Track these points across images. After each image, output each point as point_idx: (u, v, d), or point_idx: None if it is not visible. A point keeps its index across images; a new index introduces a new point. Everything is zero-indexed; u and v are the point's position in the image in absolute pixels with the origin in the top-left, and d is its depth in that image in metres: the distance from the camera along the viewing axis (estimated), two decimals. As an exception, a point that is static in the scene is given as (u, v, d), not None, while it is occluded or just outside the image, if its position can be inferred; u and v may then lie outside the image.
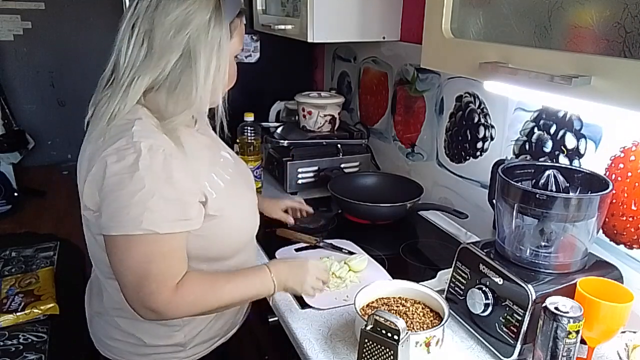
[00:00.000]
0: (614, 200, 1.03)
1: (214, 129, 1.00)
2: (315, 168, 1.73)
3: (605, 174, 1.03)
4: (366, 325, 0.83)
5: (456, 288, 1.03)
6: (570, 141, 1.12)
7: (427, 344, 0.88)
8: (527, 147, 1.24)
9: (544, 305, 0.82)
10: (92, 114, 0.96)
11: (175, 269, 0.89)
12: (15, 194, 3.85)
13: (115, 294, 0.97)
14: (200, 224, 0.92)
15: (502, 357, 0.92)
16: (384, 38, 1.65)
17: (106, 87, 0.94)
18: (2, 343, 1.18)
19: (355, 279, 1.19)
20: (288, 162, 1.69)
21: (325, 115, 1.78)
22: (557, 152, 1.16)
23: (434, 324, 0.93)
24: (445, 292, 1.05)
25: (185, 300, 0.89)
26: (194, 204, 0.91)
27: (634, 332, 0.94)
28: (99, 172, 0.85)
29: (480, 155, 1.40)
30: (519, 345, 0.89)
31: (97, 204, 0.88)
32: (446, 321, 0.91)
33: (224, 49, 0.91)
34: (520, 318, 0.88)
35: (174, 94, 0.90)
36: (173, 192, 0.86)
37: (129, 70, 0.88)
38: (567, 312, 0.79)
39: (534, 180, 0.97)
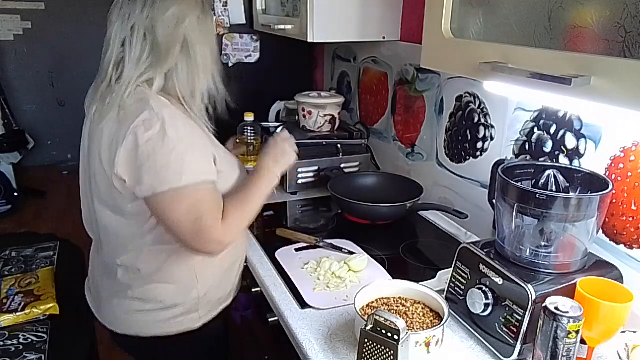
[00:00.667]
0: (614, 200, 1.03)
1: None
2: (315, 168, 1.73)
3: (605, 174, 1.03)
4: (366, 325, 0.83)
5: (456, 288, 1.03)
6: (570, 141, 1.12)
7: (427, 344, 0.88)
8: (527, 147, 1.24)
9: (544, 305, 0.82)
10: (96, 109, 1.06)
11: (218, 204, 1.04)
12: (15, 194, 3.86)
13: (133, 262, 1.08)
14: (217, 175, 1.06)
15: (502, 357, 0.92)
16: (384, 38, 1.65)
17: (109, 83, 1.04)
18: (2, 343, 1.18)
19: (355, 279, 1.19)
20: (288, 162, 1.69)
21: (325, 115, 1.78)
22: (557, 152, 1.16)
23: (434, 324, 0.93)
24: (445, 292, 1.05)
25: (234, 221, 1.05)
26: (212, 158, 1.05)
27: (634, 332, 0.94)
28: (131, 144, 0.96)
29: (480, 155, 1.40)
30: (519, 345, 0.89)
31: (132, 174, 0.98)
32: (446, 321, 0.91)
33: (213, 36, 1.09)
34: (520, 318, 0.88)
35: (184, 83, 1.05)
36: (197, 149, 1.01)
37: (135, 65, 1.01)
38: (567, 312, 0.79)
39: (534, 180, 0.97)
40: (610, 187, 0.90)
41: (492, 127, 1.34)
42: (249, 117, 1.64)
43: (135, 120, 0.96)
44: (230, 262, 1.19)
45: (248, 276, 1.38)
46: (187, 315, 1.14)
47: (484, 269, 0.97)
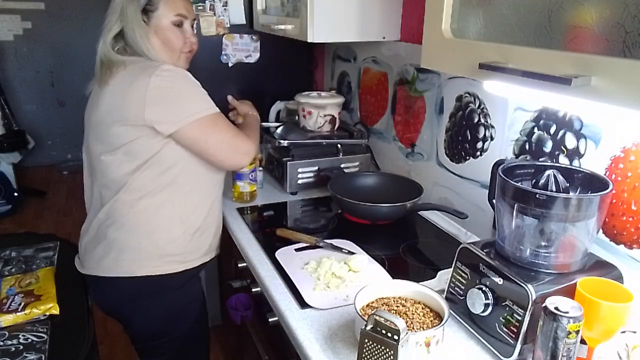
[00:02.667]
0: (613, 200, 1.03)
1: None
2: (315, 168, 1.73)
3: (605, 174, 1.03)
4: (366, 325, 0.83)
5: (456, 288, 1.03)
6: (570, 141, 1.12)
7: (427, 344, 0.88)
8: (527, 147, 1.24)
9: (544, 305, 0.82)
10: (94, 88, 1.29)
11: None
12: (15, 194, 3.86)
13: (129, 193, 1.24)
14: None
15: (502, 357, 0.92)
16: (384, 38, 1.65)
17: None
18: (2, 343, 1.18)
19: (355, 279, 1.19)
20: (288, 162, 1.69)
21: (325, 115, 1.78)
22: (557, 152, 1.16)
23: (434, 324, 0.93)
24: (445, 292, 1.05)
25: (253, 136, 1.39)
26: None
27: (634, 332, 0.94)
28: (142, 91, 1.16)
29: (480, 155, 1.40)
30: (519, 345, 0.89)
31: (164, 110, 1.18)
32: (446, 321, 0.91)
33: (155, 18, 1.28)
34: (520, 318, 0.88)
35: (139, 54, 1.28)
36: (202, 89, 1.26)
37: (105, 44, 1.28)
38: (567, 312, 0.79)
39: (534, 180, 0.97)
40: (610, 187, 0.90)
41: (492, 127, 1.34)
42: (249, 117, 1.64)
43: (151, 73, 1.16)
44: (210, 222, 1.38)
45: (248, 276, 1.38)
46: (178, 257, 1.32)
47: (484, 269, 0.97)
